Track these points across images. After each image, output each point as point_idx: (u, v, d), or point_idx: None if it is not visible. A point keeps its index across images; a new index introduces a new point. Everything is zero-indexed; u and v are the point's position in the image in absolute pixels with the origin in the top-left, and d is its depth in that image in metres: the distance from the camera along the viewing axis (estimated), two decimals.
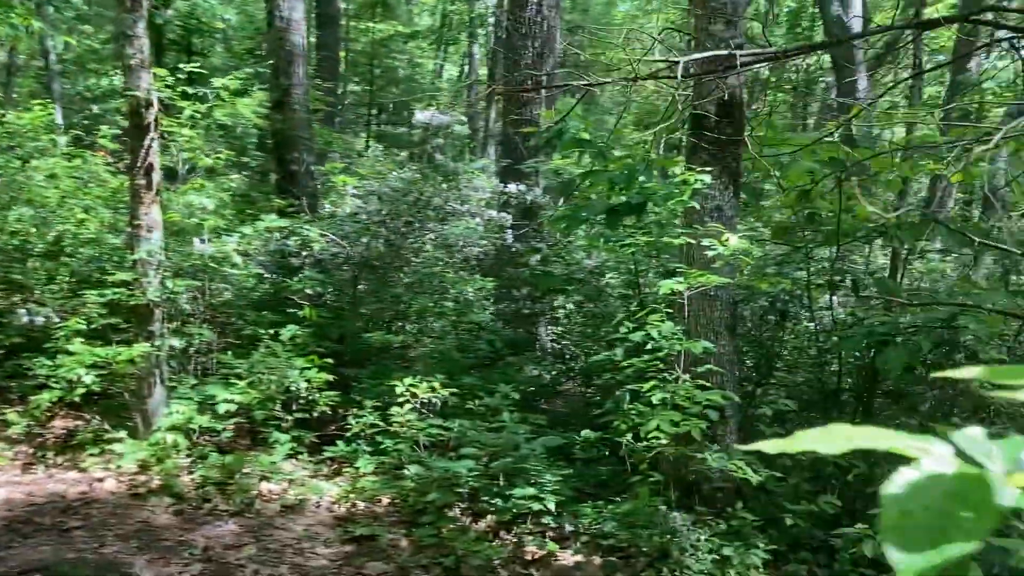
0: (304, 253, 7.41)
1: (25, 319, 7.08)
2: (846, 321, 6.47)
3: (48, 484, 6.07)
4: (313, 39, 15.98)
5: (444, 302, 8.02)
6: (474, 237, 8.56)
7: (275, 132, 10.25)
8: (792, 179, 6.75)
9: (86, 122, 13.71)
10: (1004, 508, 0.65)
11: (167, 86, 7.27)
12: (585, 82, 5.84)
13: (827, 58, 15.06)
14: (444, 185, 8.23)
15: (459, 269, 8.37)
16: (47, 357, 6.19)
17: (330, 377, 6.64)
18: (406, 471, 6.16)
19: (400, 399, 6.20)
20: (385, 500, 6.19)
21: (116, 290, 6.30)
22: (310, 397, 6.51)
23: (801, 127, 18.76)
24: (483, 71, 24.50)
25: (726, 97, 5.98)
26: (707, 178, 5.56)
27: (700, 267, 5.77)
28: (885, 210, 6.35)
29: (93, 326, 6.42)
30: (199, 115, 7.61)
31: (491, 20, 22.41)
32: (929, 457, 0.69)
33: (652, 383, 5.38)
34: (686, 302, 5.66)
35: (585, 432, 6.06)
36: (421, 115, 14.46)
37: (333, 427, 6.83)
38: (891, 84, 11.54)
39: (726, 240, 5.35)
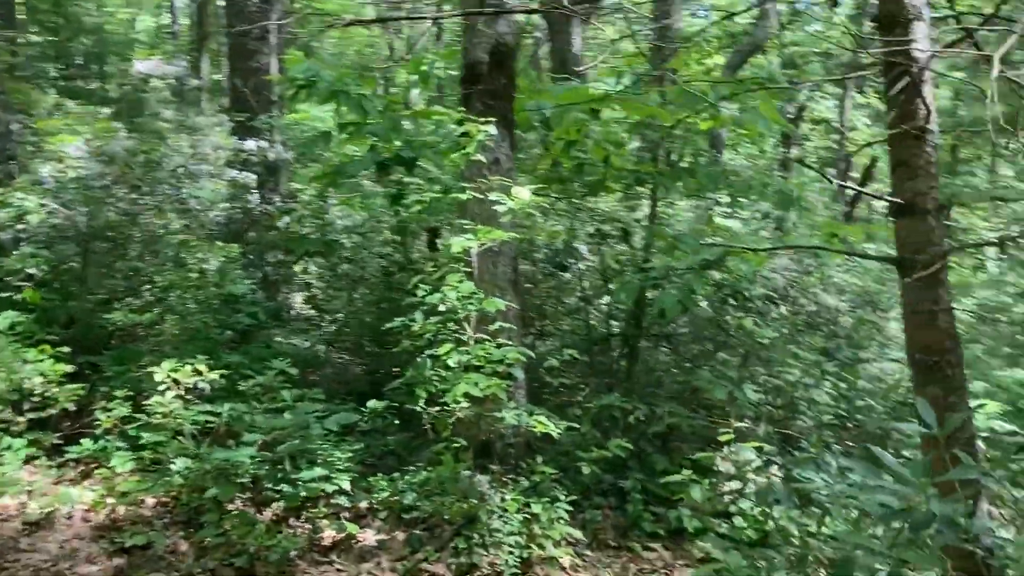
0: (20, 226, 6.31)
1: None
2: (617, 269, 6.63)
3: None
4: None
5: (190, 273, 7.22)
6: (216, 200, 7.79)
7: None
8: (559, 132, 6.76)
9: None
10: None
11: None
12: (352, 19, 5.39)
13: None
14: (180, 143, 7.36)
15: (203, 236, 7.58)
16: None
17: (69, 368, 5.75)
18: (172, 466, 5.47)
19: (161, 386, 5.48)
20: (151, 501, 5.49)
21: None
22: (46, 393, 5.59)
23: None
24: (185, 21, 22.59)
25: (498, 46, 5.80)
26: (493, 129, 5.36)
27: (483, 222, 5.60)
28: (654, 160, 6.53)
29: None
30: None
31: None
32: None
33: (448, 346, 5.15)
34: (474, 259, 5.46)
35: (371, 402, 5.71)
36: (141, 65, 12.94)
37: (77, 424, 5.94)
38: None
39: (516, 194, 5.20)
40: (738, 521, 5.61)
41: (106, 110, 14.00)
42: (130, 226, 6.98)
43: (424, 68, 7.32)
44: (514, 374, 5.12)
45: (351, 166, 6.49)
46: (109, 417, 5.58)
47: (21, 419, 5.63)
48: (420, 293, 5.04)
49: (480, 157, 5.40)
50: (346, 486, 5.32)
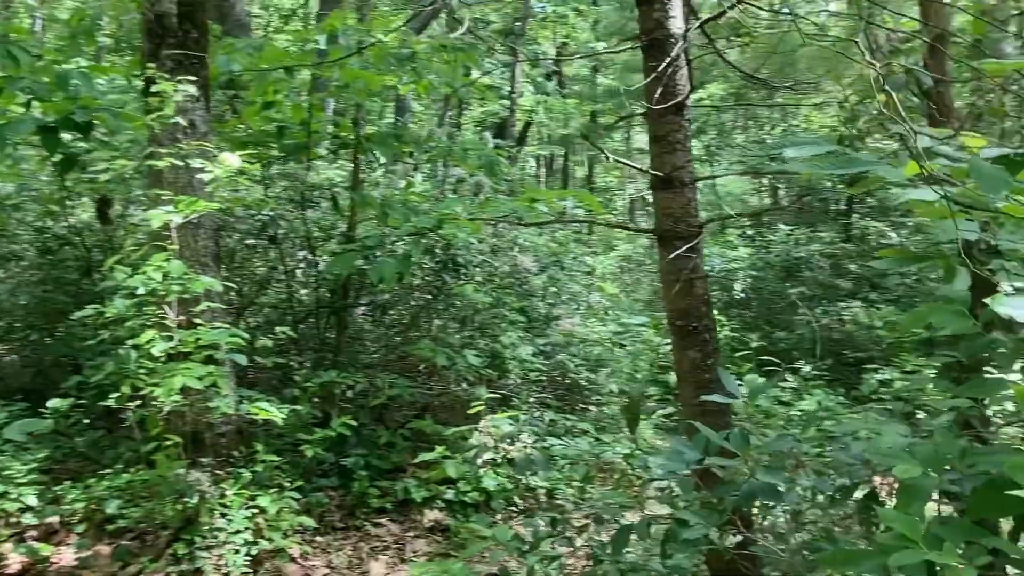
0: None
1: None
2: (322, 237, 6.34)
3: None
4: None
5: None
6: None
7: None
8: (254, 92, 6.29)
9: None
10: None
11: None
12: None
13: None
14: None
15: None
16: None
17: None
18: None
19: None
20: None
21: None
22: None
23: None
24: None
25: None
26: (192, 89, 4.80)
27: (180, 192, 5.04)
28: (355, 123, 6.26)
29: None
30: None
31: None
32: None
33: (150, 333, 4.58)
34: (174, 234, 4.90)
35: (54, 402, 4.95)
36: None
37: None
38: None
39: (224, 160, 4.72)
40: (462, 486, 5.68)
41: None
42: None
43: (86, 21, 6.41)
44: (236, 359, 4.69)
45: (7, 129, 5.50)
46: None
47: None
48: (119, 275, 4.41)
49: (180, 120, 4.82)
50: (32, 501, 4.59)
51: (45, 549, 4.56)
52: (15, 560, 4.50)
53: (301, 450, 5.41)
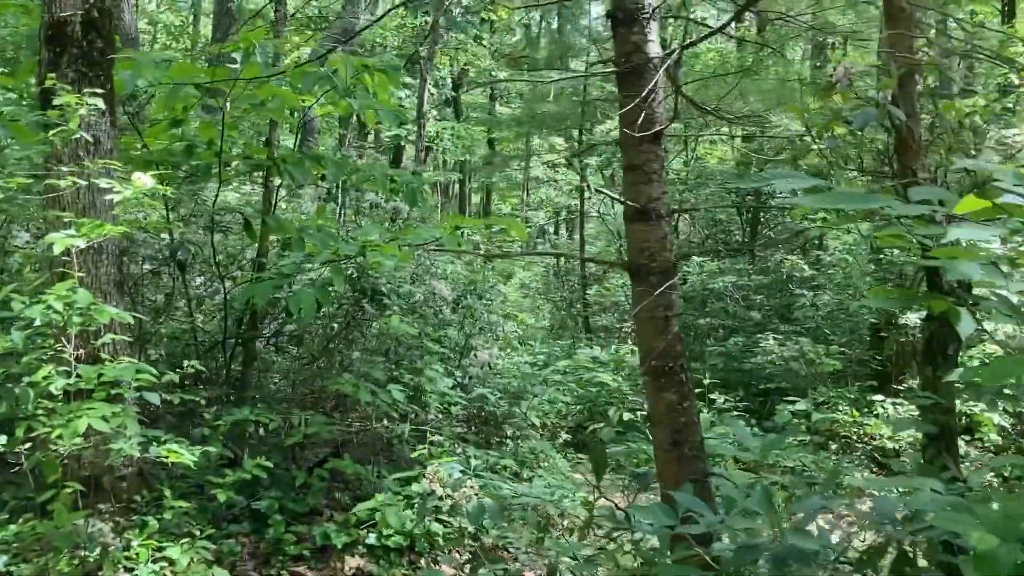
0: None
1: None
2: (226, 263, 5.96)
3: None
4: None
5: None
6: None
7: None
8: (160, 107, 5.90)
9: None
10: None
11: None
12: None
13: None
14: None
15: None
16: None
17: None
18: None
19: None
20: None
21: None
22: None
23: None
24: None
25: (93, 1, 4.81)
26: (99, 102, 4.40)
27: (81, 214, 4.62)
28: (268, 143, 5.93)
29: None
30: None
31: None
32: None
33: (47, 369, 4.14)
34: (74, 259, 4.47)
35: None
36: None
37: None
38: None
39: (136, 180, 4.33)
40: (384, 530, 5.37)
41: None
42: None
43: None
44: (147, 397, 4.29)
45: None
46: None
47: None
48: (16, 306, 3.96)
49: (86, 136, 4.41)
50: None
51: None
52: None
53: (210, 494, 5.01)
